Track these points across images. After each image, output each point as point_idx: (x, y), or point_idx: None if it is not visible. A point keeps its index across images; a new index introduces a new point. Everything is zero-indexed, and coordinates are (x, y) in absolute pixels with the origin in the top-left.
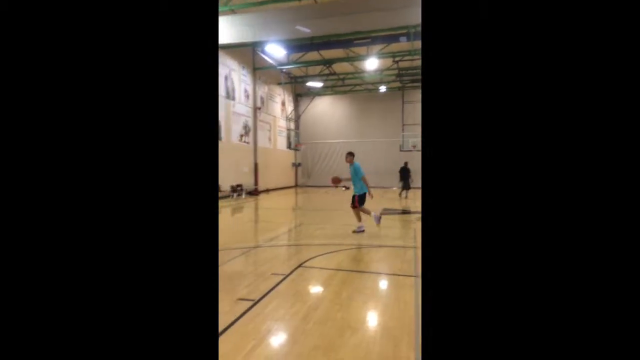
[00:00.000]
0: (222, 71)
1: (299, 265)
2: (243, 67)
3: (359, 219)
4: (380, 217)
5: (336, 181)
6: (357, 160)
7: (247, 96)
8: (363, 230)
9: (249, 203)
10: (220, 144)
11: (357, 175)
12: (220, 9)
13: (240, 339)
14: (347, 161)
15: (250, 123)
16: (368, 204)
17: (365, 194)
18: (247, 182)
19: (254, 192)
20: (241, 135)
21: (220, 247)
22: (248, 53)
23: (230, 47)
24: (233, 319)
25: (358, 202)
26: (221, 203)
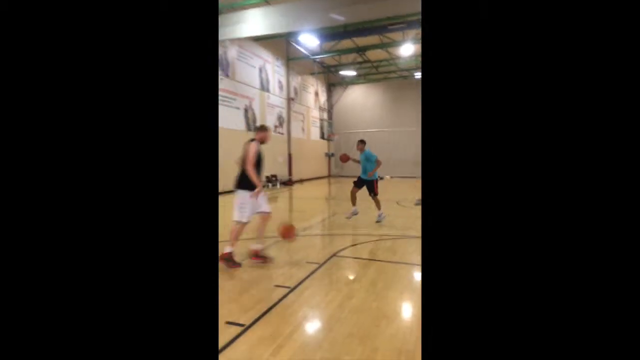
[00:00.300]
0: (257, 63)
1: (333, 255)
2: (277, 59)
3: (379, 206)
4: (354, 215)
5: (345, 158)
6: (390, 149)
7: (281, 87)
8: (383, 217)
9: (283, 193)
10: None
11: (369, 162)
12: (255, 0)
13: (278, 325)
14: (357, 148)
15: (284, 114)
16: (362, 197)
17: (376, 180)
18: (282, 173)
19: (288, 183)
20: (275, 126)
21: (254, 235)
22: (281, 44)
23: (264, 39)
24: (270, 304)
25: (369, 188)
26: None
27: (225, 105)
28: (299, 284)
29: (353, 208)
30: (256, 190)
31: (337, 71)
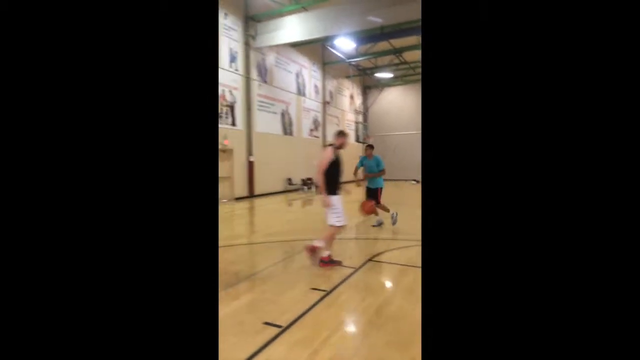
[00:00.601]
0: (294, 68)
1: (369, 259)
2: (313, 63)
3: (387, 210)
4: (380, 224)
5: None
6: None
7: (317, 91)
8: (396, 216)
9: (318, 196)
10: (292, 139)
11: (378, 168)
12: (292, 7)
13: (314, 328)
14: (366, 154)
15: (320, 117)
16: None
17: (380, 189)
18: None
19: None
20: (311, 130)
21: (291, 237)
22: (317, 49)
23: (301, 45)
24: (307, 307)
25: (374, 197)
26: (292, 196)
27: (264, 110)
28: (335, 287)
29: (377, 218)
30: (323, 198)
31: (372, 74)
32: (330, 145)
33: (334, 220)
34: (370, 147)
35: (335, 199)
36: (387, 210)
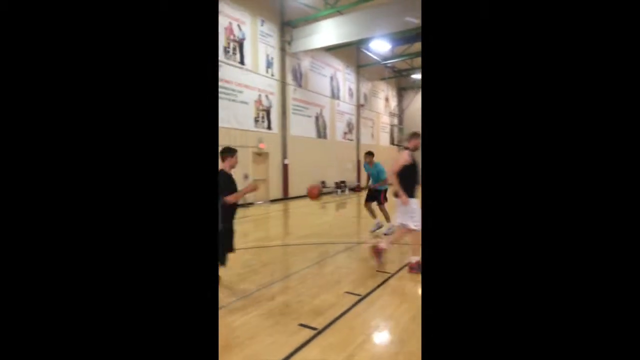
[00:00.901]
0: (328, 72)
1: (405, 265)
2: (347, 67)
3: (388, 219)
4: (379, 228)
5: (315, 193)
6: None
7: (351, 94)
8: (379, 227)
9: (351, 199)
10: (325, 142)
11: (379, 177)
12: (328, 12)
13: (349, 332)
14: (366, 161)
15: (354, 121)
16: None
17: (384, 191)
18: (350, 179)
19: (356, 189)
20: (345, 133)
21: (325, 240)
22: (352, 52)
23: (336, 48)
24: (342, 311)
25: (383, 197)
26: (326, 199)
27: (298, 114)
28: (370, 292)
29: (375, 220)
30: (402, 199)
31: (408, 75)
32: (406, 148)
33: (412, 223)
34: (370, 154)
35: (413, 202)
36: (375, 218)
